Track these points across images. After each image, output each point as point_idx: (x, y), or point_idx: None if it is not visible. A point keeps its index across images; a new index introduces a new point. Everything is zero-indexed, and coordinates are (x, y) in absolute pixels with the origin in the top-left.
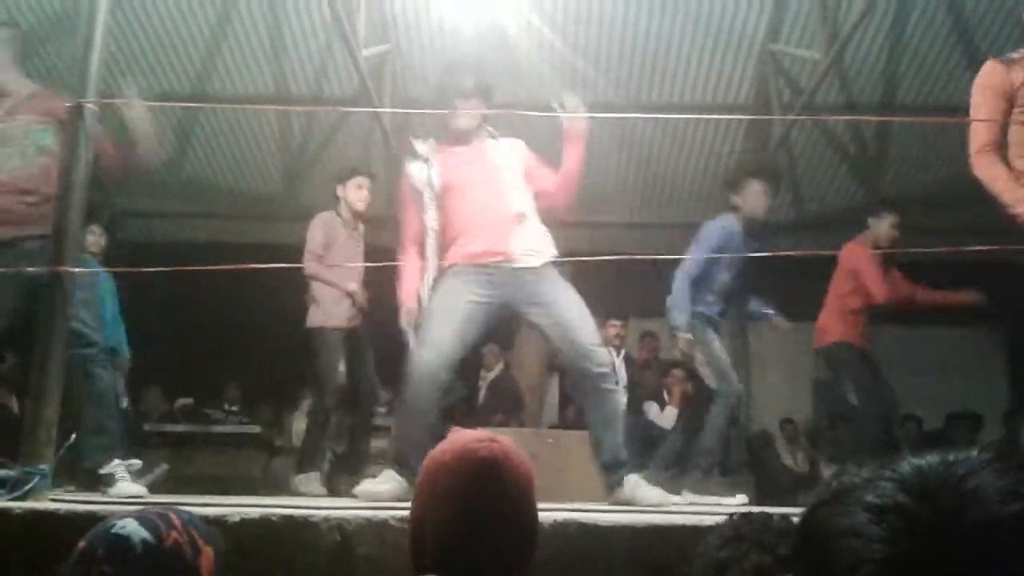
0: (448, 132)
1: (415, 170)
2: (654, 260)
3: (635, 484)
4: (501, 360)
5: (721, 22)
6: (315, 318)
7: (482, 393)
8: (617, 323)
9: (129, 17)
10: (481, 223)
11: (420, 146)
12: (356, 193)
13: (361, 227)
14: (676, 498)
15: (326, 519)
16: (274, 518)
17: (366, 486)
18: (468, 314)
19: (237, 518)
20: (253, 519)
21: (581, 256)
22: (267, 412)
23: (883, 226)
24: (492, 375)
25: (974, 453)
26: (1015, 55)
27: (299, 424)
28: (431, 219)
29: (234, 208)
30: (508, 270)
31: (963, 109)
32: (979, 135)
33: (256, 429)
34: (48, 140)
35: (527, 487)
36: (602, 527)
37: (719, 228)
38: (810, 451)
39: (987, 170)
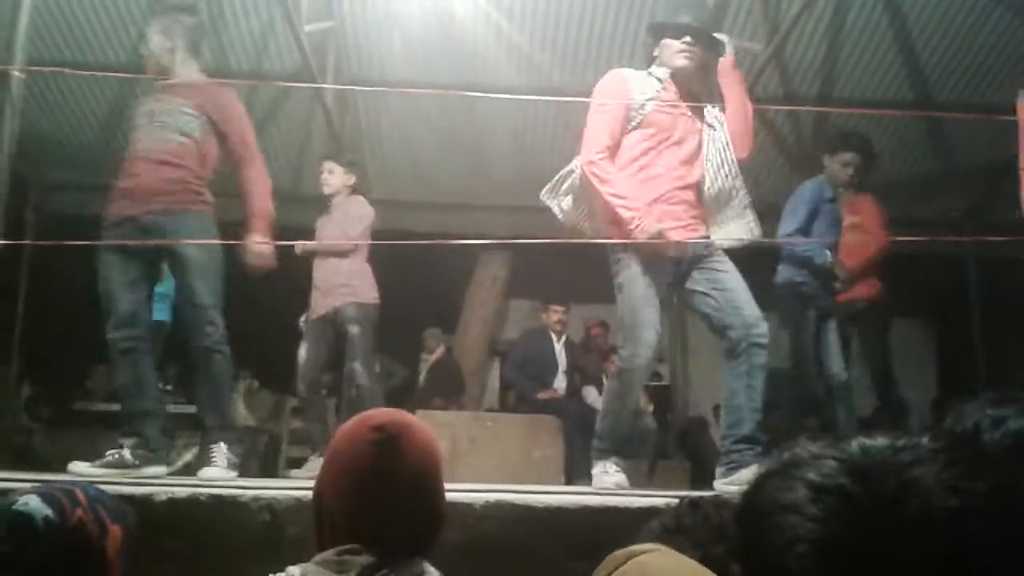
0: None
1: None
2: (597, 244)
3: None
4: (442, 343)
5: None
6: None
7: (422, 376)
8: (559, 308)
9: None
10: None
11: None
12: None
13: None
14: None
15: (255, 499)
16: (203, 497)
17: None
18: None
19: (164, 497)
20: (181, 498)
21: (525, 239)
22: None
23: (835, 164)
24: (433, 358)
25: (924, 440)
26: None
27: (237, 406)
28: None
29: None
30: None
31: (899, 104)
32: None
33: (192, 409)
34: (192, 126)
35: (428, 464)
36: (536, 509)
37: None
38: None
39: None
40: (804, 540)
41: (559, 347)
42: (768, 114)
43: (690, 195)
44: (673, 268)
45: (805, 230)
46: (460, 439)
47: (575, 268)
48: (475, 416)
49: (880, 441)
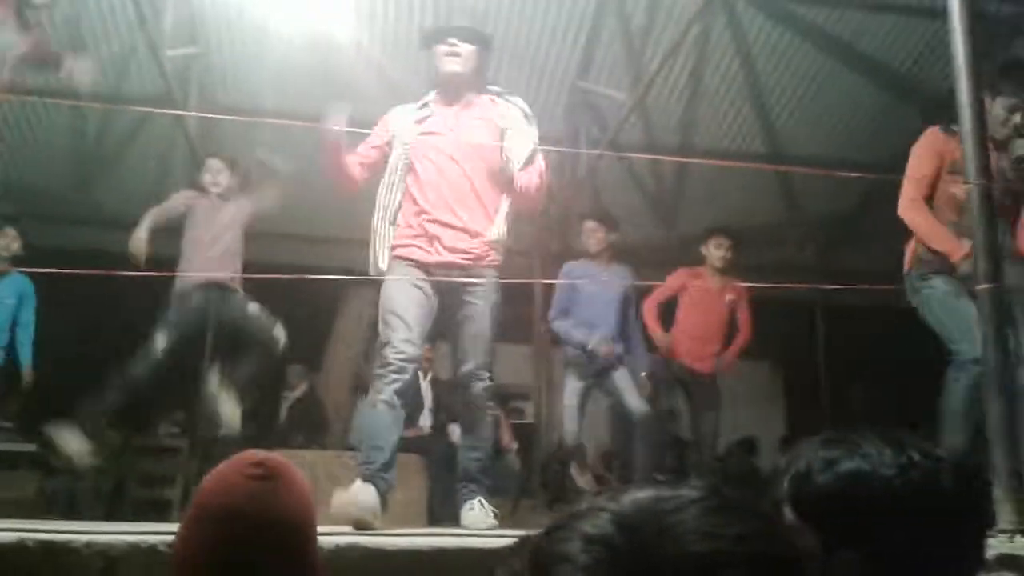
0: None
1: None
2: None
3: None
4: (305, 381)
5: (536, 56)
6: None
7: (283, 414)
8: (425, 346)
9: None
10: None
11: None
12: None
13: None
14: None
15: (88, 544)
16: (30, 543)
17: None
18: None
19: None
20: (7, 543)
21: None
22: (44, 430)
23: (709, 248)
24: (295, 395)
25: (685, 491)
26: (955, 128)
27: (79, 445)
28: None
29: (21, 208)
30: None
31: (752, 156)
32: (910, 188)
33: (31, 448)
34: None
35: (308, 505)
36: (389, 551)
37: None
38: (603, 474)
39: (917, 217)
40: None
41: (425, 385)
42: (632, 164)
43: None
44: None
45: (567, 308)
46: (321, 479)
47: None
48: (337, 455)
49: (649, 492)
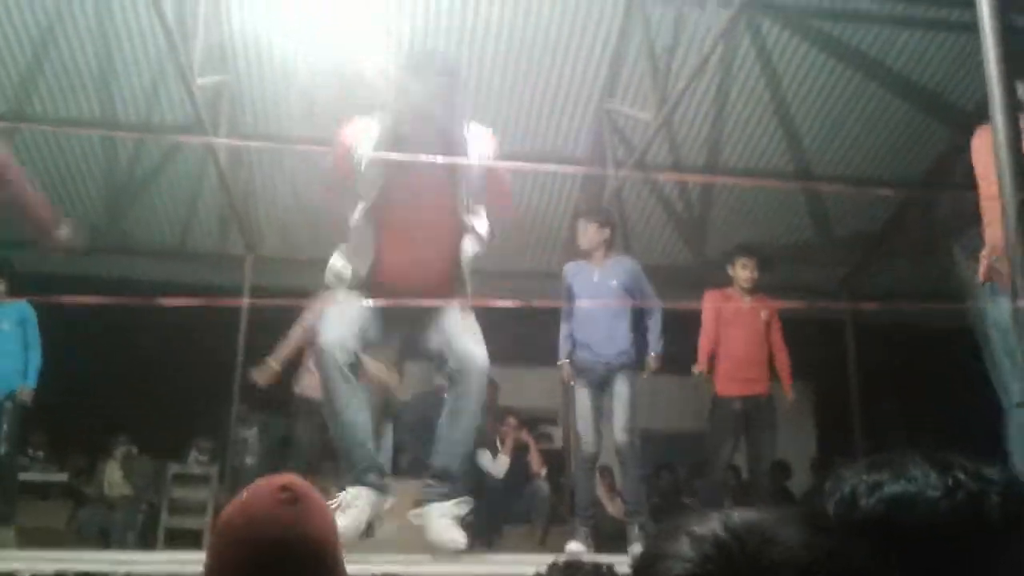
0: None
1: None
2: (489, 307)
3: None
4: None
5: (561, 78)
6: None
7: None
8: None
9: None
10: None
11: None
12: None
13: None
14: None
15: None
16: (70, 574)
17: None
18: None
19: (27, 574)
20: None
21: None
22: (78, 459)
23: (736, 269)
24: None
25: (784, 512)
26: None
27: (113, 473)
28: None
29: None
30: None
31: (780, 175)
32: (988, 187)
33: (63, 477)
34: None
35: (332, 528)
36: None
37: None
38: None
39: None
40: None
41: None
42: (657, 182)
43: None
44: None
45: (570, 310)
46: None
47: None
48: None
49: (754, 512)
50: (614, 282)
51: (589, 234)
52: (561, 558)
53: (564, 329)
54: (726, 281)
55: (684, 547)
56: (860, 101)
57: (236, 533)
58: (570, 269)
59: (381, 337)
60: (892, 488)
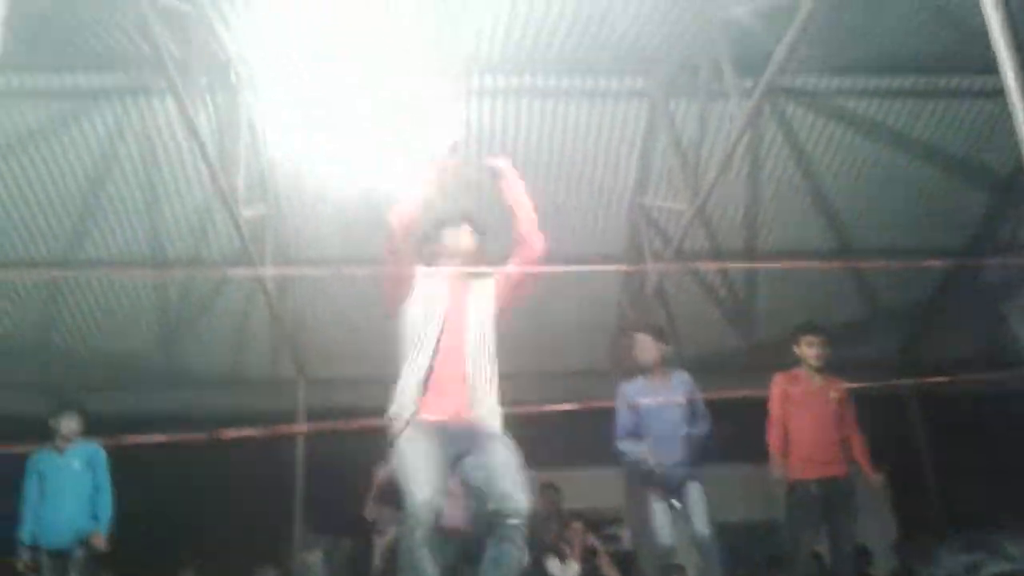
0: None
1: None
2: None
3: None
4: (395, 525)
5: (592, 177)
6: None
7: (376, 558)
8: None
9: None
10: None
11: None
12: None
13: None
14: None
15: None
16: None
17: None
18: None
19: None
20: None
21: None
22: None
23: (802, 348)
24: (386, 540)
25: None
26: None
27: None
28: None
29: (110, 376)
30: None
31: (820, 253)
32: None
33: None
34: None
35: None
36: None
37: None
38: None
39: None
40: None
41: None
42: (698, 270)
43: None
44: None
45: (630, 429)
46: None
47: (520, 431)
48: None
49: None
50: (680, 396)
51: (648, 348)
52: None
53: (628, 442)
54: (778, 364)
55: None
56: (893, 173)
57: None
58: (629, 388)
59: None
60: (992, 569)
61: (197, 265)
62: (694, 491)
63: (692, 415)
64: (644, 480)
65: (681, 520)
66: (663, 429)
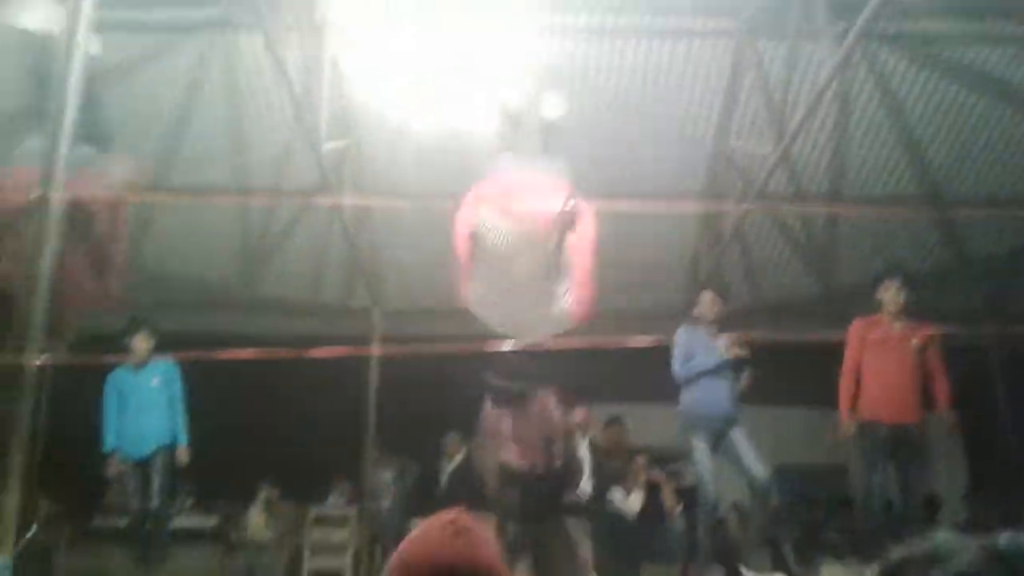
0: None
1: None
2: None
3: None
4: (463, 447)
5: (675, 116)
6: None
7: (444, 481)
8: (581, 409)
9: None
10: None
11: None
12: None
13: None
14: None
15: None
16: None
17: None
18: None
19: None
20: None
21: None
22: (225, 506)
23: (882, 293)
24: (454, 463)
25: None
26: None
27: (256, 518)
28: None
29: (193, 299)
30: None
31: (907, 200)
32: None
33: (212, 523)
34: None
35: (490, 559)
36: None
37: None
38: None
39: None
40: None
41: (584, 447)
42: (779, 214)
43: None
44: None
45: (684, 365)
46: None
47: (591, 367)
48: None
49: (1011, 536)
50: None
51: (716, 307)
52: None
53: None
54: (856, 310)
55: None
56: (988, 122)
57: (410, 563)
58: (685, 334)
59: None
60: None
61: (278, 195)
62: (739, 436)
63: (737, 370)
64: (688, 427)
65: (734, 466)
66: (710, 381)
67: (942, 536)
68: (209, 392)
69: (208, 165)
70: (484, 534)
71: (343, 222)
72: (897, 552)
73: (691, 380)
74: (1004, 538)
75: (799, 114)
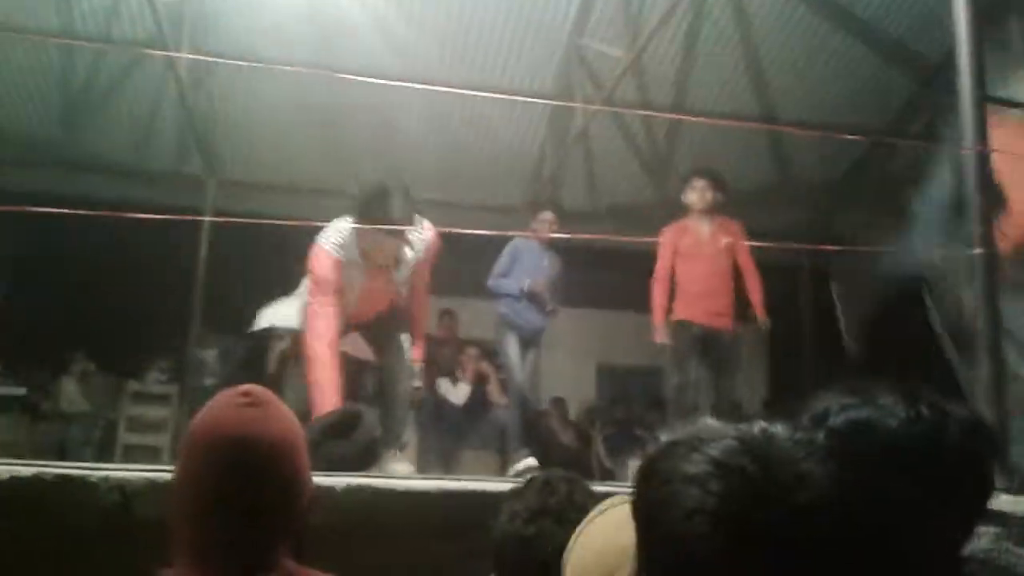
0: None
1: None
2: (455, 236)
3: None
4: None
5: (531, 12)
6: None
7: (271, 364)
8: None
9: None
10: None
11: None
12: None
13: None
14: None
15: (105, 479)
16: (47, 478)
17: None
18: None
19: (7, 476)
20: (24, 477)
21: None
22: (36, 375)
23: (689, 193)
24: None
25: (820, 436)
26: None
27: (69, 389)
28: None
29: (4, 152)
30: None
31: (745, 118)
32: None
33: (21, 392)
34: None
35: (295, 431)
36: (398, 492)
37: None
38: (586, 429)
39: None
40: (704, 512)
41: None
42: (626, 120)
43: None
44: None
45: (506, 273)
46: None
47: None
48: None
49: (779, 430)
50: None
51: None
52: (519, 466)
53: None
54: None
55: (705, 474)
56: (827, 49)
57: (200, 436)
58: (516, 248)
59: None
60: (859, 412)
61: (108, 44)
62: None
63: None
64: (503, 326)
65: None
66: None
67: (705, 423)
68: (21, 255)
69: (32, 3)
70: (279, 408)
71: (179, 81)
72: (665, 436)
73: (498, 297)
74: (757, 427)
75: (654, 21)
